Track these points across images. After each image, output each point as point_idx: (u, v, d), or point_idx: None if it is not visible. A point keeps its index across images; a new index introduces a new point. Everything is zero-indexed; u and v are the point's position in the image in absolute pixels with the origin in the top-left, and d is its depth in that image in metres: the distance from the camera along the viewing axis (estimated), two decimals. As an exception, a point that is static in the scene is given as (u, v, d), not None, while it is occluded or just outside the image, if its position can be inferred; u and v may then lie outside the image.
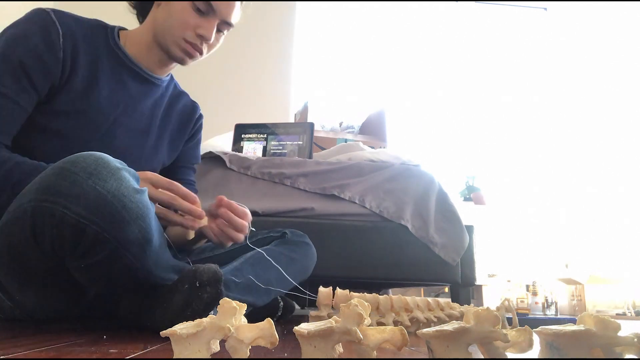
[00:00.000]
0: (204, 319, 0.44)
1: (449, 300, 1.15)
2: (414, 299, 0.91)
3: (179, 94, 1.13)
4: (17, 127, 0.86)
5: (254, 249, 0.97)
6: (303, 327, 0.45)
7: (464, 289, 1.61)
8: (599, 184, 3.60)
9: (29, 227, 0.65)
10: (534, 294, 3.26)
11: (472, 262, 1.61)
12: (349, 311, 0.44)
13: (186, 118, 1.14)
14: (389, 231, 1.54)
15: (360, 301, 0.47)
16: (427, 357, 0.47)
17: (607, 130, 3.68)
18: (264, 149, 1.84)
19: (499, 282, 3.32)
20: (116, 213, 0.65)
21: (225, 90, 3.37)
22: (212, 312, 0.84)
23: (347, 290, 0.87)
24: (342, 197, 1.55)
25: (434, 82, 3.88)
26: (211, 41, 0.97)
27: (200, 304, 0.69)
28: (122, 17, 1.10)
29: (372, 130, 2.48)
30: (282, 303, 1.20)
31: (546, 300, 3.26)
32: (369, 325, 0.48)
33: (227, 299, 0.46)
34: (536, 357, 0.47)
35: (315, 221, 1.52)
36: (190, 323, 0.44)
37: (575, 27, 3.92)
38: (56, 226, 0.63)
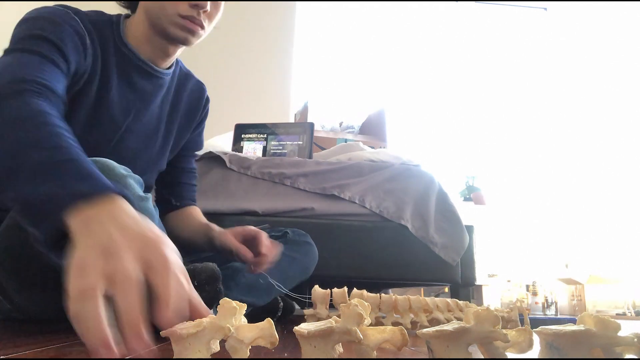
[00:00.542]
0: (204, 319, 0.44)
1: (468, 301, 1.14)
2: (434, 299, 0.90)
3: (186, 77, 1.08)
4: (65, 92, 0.77)
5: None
6: (303, 327, 0.45)
7: (464, 289, 1.61)
8: (599, 184, 3.60)
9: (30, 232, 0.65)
10: (534, 294, 3.26)
11: (472, 262, 1.62)
12: (349, 311, 0.44)
13: (195, 103, 1.10)
14: (389, 231, 1.54)
15: (360, 301, 0.47)
16: (427, 357, 0.47)
17: (607, 130, 3.68)
18: (264, 149, 1.84)
19: (499, 282, 3.32)
20: None
21: (225, 90, 3.37)
22: (211, 311, 0.84)
23: (345, 287, 0.87)
24: (342, 197, 1.55)
25: (434, 82, 3.88)
26: (207, 9, 0.88)
27: (200, 303, 0.69)
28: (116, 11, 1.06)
29: (372, 130, 2.48)
30: (282, 303, 1.20)
31: (546, 300, 3.26)
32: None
33: (227, 299, 0.46)
34: (536, 357, 0.47)
35: (315, 221, 1.52)
36: (190, 323, 0.44)
37: (575, 27, 3.92)
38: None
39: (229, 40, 3.39)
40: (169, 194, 1.12)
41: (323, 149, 2.04)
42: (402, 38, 3.92)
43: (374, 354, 0.46)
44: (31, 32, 0.76)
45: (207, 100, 1.14)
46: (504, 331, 0.44)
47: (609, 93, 3.73)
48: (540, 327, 0.46)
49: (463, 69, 3.93)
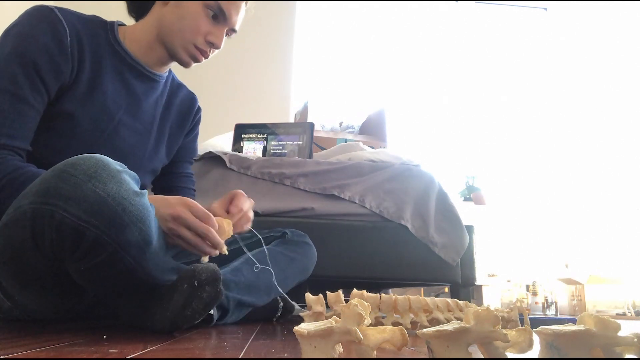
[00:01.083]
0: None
1: (468, 301, 1.13)
2: (434, 299, 0.90)
3: (178, 87, 1.12)
4: (34, 130, 0.85)
5: (245, 250, 0.97)
6: (303, 327, 0.45)
7: (464, 289, 1.61)
8: (599, 184, 3.60)
9: (28, 229, 0.65)
10: (534, 294, 3.26)
11: (472, 262, 1.61)
12: (349, 311, 0.44)
13: (185, 112, 1.13)
14: (389, 231, 1.54)
15: (360, 301, 0.47)
16: (427, 357, 0.47)
17: (607, 130, 3.68)
18: (264, 149, 1.84)
19: (499, 282, 3.32)
20: (116, 216, 0.64)
21: (225, 90, 3.37)
22: (211, 311, 0.84)
23: (340, 290, 0.87)
24: (342, 197, 1.55)
25: (434, 82, 3.88)
26: (221, 48, 0.97)
27: (200, 303, 0.69)
28: (116, 14, 1.08)
29: (372, 130, 2.48)
30: (281, 303, 1.20)
31: (546, 300, 3.25)
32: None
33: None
34: (536, 357, 0.47)
35: (315, 221, 1.52)
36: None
37: (575, 27, 3.92)
38: (56, 229, 0.63)
39: (228, 40, 3.38)
40: None
41: (323, 149, 2.04)
42: (402, 38, 3.92)
43: (374, 354, 0.46)
44: (6, 66, 0.82)
45: (199, 109, 1.18)
46: (504, 331, 0.44)
47: (609, 93, 3.73)
48: (540, 327, 0.46)
49: (463, 69, 3.93)
